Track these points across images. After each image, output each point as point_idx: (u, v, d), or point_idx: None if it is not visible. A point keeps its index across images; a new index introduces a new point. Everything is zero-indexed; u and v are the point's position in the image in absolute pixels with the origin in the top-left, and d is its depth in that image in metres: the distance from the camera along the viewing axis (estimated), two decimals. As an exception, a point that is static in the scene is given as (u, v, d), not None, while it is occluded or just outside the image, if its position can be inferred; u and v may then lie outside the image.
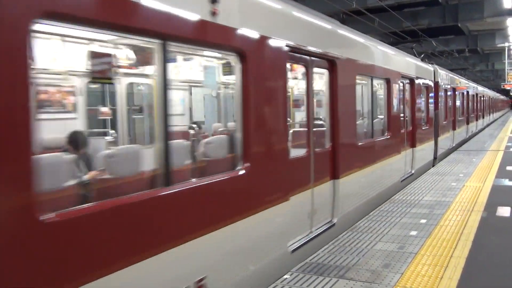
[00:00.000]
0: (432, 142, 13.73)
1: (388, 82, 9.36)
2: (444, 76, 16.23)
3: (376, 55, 8.91)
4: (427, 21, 20.65)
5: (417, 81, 11.71)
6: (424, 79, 12.81)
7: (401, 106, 10.49)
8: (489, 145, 18.38)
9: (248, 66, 4.46)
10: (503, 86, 41.59)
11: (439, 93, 14.77)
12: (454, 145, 17.75)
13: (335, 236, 6.26)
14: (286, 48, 5.21)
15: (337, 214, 6.56)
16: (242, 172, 4.43)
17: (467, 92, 22.62)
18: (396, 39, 19.91)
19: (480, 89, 31.27)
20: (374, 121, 9.08)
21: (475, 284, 4.56)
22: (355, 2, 14.92)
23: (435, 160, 14.23)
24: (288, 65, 5.42)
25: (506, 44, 29.78)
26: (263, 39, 4.81)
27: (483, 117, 31.72)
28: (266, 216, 4.79)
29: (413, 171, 11.22)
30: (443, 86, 15.57)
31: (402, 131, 10.38)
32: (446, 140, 16.08)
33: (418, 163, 11.73)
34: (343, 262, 5.22)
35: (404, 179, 10.36)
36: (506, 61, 35.53)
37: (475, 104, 26.09)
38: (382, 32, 20.11)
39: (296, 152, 5.90)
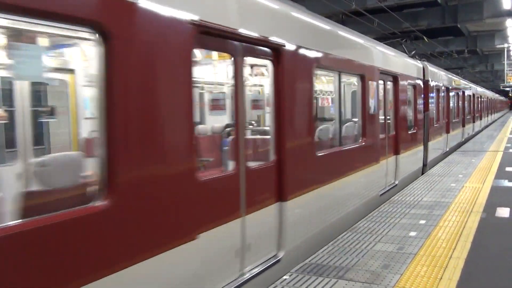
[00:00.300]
0: (421, 147, 12.26)
1: (363, 79, 7.82)
2: (436, 74, 14.86)
3: (345, 46, 7.42)
4: (427, 22, 20.70)
5: (401, 79, 10.25)
6: (411, 76, 11.34)
7: (381, 107, 9.05)
8: (489, 146, 18.38)
9: (116, 49, 3.03)
10: (503, 87, 41.70)
11: (430, 93, 13.40)
12: (447, 149, 16.33)
13: (282, 273, 4.95)
14: (191, 27, 3.70)
15: (284, 246, 5.13)
16: (98, 209, 2.92)
17: (463, 92, 21.24)
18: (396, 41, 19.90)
19: (478, 89, 30.03)
20: (344, 125, 7.65)
21: (474, 285, 4.56)
22: (354, 3, 14.95)
23: (425, 167, 12.84)
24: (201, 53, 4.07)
25: (506, 45, 29.85)
26: (145, 10, 3.27)
27: (481, 119, 29.97)
28: (149, 269, 3.29)
29: (397, 182, 9.81)
30: (435, 85, 14.24)
31: (382, 136, 8.91)
32: (438, 144, 14.71)
33: (403, 172, 10.33)
34: (342, 262, 5.22)
35: (384, 192, 8.92)
36: (506, 62, 35.62)
37: (472, 105, 24.66)
38: (382, 33, 20.14)
39: (218, 170, 4.64)
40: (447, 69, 21.72)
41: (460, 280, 4.64)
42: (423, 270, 4.93)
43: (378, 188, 8.70)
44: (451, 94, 17.63)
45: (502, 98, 66.23)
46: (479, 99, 29.00)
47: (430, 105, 13.25)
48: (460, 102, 20.34)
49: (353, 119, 8.34)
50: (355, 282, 4.64)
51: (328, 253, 5.55)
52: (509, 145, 18.72)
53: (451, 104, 17.40)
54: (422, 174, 12.12)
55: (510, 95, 71.92)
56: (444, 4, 20.56)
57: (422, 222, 6.87)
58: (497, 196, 8.54)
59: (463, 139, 20.71)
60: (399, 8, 19.22)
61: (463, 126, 20.80)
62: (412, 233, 6.30)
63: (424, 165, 12.79)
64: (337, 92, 7.32)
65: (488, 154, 15.45)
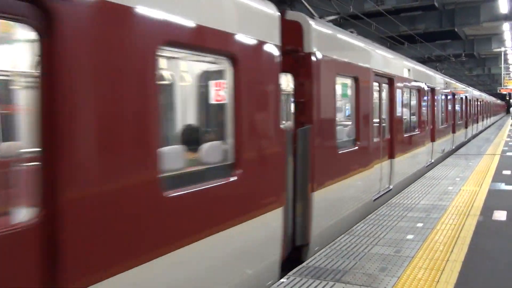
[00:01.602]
0: (276, 212, 4.98)
1: None
2: (348, 45, 7.56)
3: None
4: (424, 25, 20.85)
5: (134, 23, 3.13)
6: (210, 30, 3.89)
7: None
8: (486, 149, 18.43)
9: None
10: (499, 91, 41.92)
11: (322, 84, 6.21)
12: (391, 186, 9.57)
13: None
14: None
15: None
16: None
17: (432, 90, 14.29)
18: (394, 44, 19.98)
19: (463, 87, 22.79)
20: None
21: (471, 288, 4.58)
22: (352, 6, 14.99)
23: (305, 248, 5.92)
24: None
25: (502, 49, 30.08)
26: None
27: (467, 127, 23.09)
28: None
29: None
30: (340, 67, 6.96)
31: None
32: (355, 187, 7.61)
33: None
34: (339, 265, 5.22)
35: None
36: (502, 65, 35.84)
37: (451, 109, 18.37)
38: (379, 36, 20.22)
39: None
40: (423, 62, 16.54)
41: (457, 282, 4.64)
42: (420, 273, 4.93)
43: None
44: (408, 91, 11.63)
45: (498, 101, 66.07)
46: (464, 100, 22.22)
47: (321, 111, 6.23)
48: (429, 105, 13.97)
49: None
50: (353, 285, 4.64)
51: (326, 256, 5.55)
52: (506, 148, 18.78)
53: (399, 109, 10.43)
54: (283, 277, 4.94)
55: (507, 98, 72.09)
56: (441, 8, 20.67)
57: (419, 225, 6.87)
58: (494, 199, 8.56)
59: (432, 160, 14.21)
60: (397, 12, 19.33)
61: (433, 140, 14.42)
62: (409, 236, 6.30)
63: (298, 247, 5.84)
64: None
65: (485, 157, 15.49)
